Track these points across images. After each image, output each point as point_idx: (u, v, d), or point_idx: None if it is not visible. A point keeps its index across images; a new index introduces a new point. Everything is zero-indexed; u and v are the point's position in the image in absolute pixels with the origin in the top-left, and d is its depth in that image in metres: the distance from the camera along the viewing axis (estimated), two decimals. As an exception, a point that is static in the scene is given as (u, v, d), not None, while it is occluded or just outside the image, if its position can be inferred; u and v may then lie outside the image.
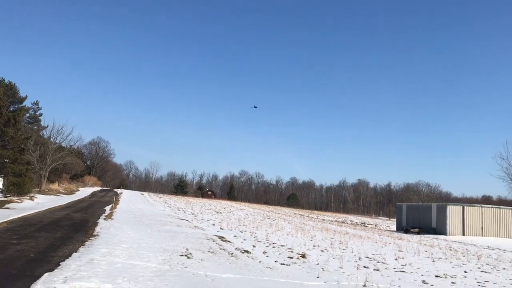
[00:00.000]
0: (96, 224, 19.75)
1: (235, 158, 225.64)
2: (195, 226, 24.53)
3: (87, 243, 13.27)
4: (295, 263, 14.01)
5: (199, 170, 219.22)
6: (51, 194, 45.16)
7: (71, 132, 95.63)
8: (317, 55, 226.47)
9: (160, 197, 67.92)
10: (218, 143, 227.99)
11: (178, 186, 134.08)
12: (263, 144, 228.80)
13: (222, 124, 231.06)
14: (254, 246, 17.50)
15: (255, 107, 76.35)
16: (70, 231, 16.45)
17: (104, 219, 22.70)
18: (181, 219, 29.47)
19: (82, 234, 15.74)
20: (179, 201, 59.52)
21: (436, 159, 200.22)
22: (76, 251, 11.42)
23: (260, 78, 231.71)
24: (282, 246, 18.59)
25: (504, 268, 18.19)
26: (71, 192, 54.49)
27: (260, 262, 13.45)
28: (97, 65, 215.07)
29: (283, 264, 13.56)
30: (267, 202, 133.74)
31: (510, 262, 21.89)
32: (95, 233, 16.15)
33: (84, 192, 58.55)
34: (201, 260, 12.35)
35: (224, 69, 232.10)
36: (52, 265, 9.23)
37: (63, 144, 60.65)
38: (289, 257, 15.13)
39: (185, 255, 12.83)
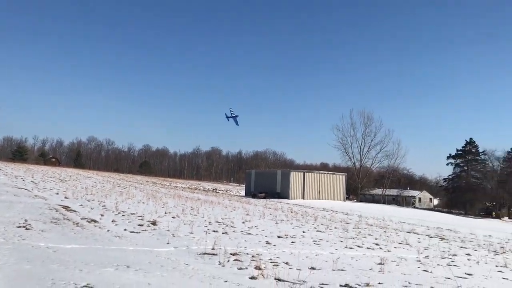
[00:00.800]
0: None
1: (82, 123, 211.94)
2: (36, 196, 22.61)
3: None
4: (145, 230, 13.89)
5: (41, 135, 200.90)
6: None
7: None
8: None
9: (-6, 164, 60.91)
10: (62, 106, 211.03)
11: (16, 153, 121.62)
12: (115, 109, 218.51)
13: (66, 86, 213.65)
14: (102, 215, 16.84)
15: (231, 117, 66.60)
16: None
17: None
18: (19, 188, 26.90)
19: None
20: (18, 169, 54.15)
21: (282, 128, 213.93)
22: None
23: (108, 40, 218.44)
24: (133, 214, 18.23)
25: (335, 227, 20.51)
26: None
27: (108, 231, 13.02)
28: None
29: (133, 232, 13.34)
30: (118, 170, 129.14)
31: (341, 221, 24.77)
32: None
33: None
34: (42, 231, 11.48)
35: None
36: None
37: None
38: (139, 225, 14.93)
39: (24, 227, 11.78)
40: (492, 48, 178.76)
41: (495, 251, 17.81)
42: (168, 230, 14.04)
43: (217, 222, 18.12)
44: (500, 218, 66.98)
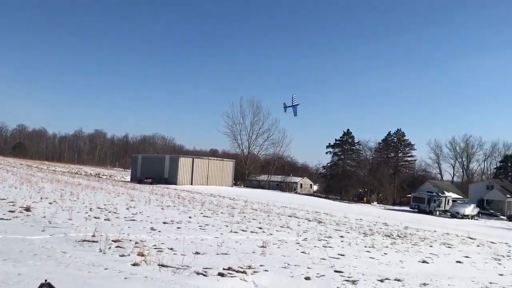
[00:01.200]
0: None
1: None
2: None
3: None
4: (17, 217, 12.79)
5: None
6: None
7: None
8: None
9: None
10: None
11: None
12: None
13: None
14: (-35, 201, 15.18)
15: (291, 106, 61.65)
16: None
17: None
18: None
19: None
20: None
21: (172, 113, 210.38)
22: None
23: None
24: (3, 199, 16.68)
25: (222, 212, 20.84)
26: None
27: (-28, 218, 11.77)
28: None
29: (2, 219, 12.21)
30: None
31: (227, 206, 25.23)
32: None
33: None
34: None
35: None
36: None
37: None
38: (10, 211, 13.69)
39: None
40: (362, 43, 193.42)
41: (365, 233, 19.55)
42: (44, 217, 13.10)
43: (99, 208, 17.33)
44: (370, 203, 73.51)
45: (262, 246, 11.63)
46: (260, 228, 16.45)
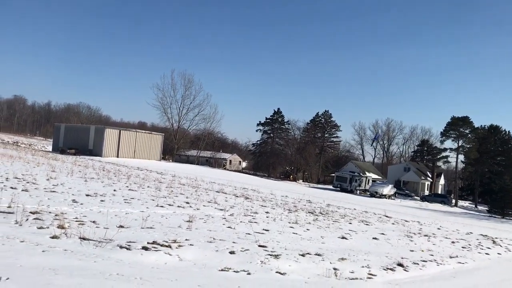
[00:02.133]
0: None
1: None
2: None
3: None
4: None
5: None
6: None
7: None
8: None
9: None
10: None
11: None
12: None
13: None
14: None
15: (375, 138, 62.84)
16: None
17: None
18: None
19: None
20: None
21: (98, 81, 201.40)
22: None
23: None
24: None
25: (148, 186, 20.52)
26: None
27: None
28: None
29: None
30: None
31: (154, 181, 24.87)
32: None
33: None
34: None
35: None
36: None
37: None
38: None
39: None
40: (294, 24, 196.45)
41: (289, 210, 20.18)
42: (-47, 186, 12.19)
43: (16, 178, 16.38)
44: (296, 181, 75.73)
45: (189, 221, 11.64)
46: (187, 203, 16.42)
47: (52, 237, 7.68)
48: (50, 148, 58.76)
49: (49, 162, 28.22)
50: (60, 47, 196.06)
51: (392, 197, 57.57)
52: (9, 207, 9.92)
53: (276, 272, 7.88)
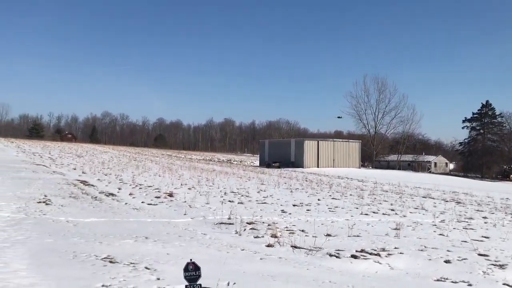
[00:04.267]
0: None
1: (96, 99, 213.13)
2: (54, 171, 23.03)
3: None
4: (162, 202, 14.11)
5: (56, 111, 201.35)
6: None
7: None
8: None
9: (12, 142, 61.84)
10: (76, 83, 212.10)
11: (33, 130, 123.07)
12: (128, 85, 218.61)
13: (78, 62, 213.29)
14: (119, 189, 17.13)
15: (339, 117, 74.71)
16: None
17: None
18: (37, 164, 27.37)
19: None
20: (35, 146, 54.94)
21: (294, 97, 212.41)
22: None
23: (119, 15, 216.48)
24: (149, 186, 18.49)
25: (351, 194, 20.57)
26: None
27: (126, 204, 13.26)
28: None
29: (150, 204, 13.57)
30: (133, 144, 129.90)
31: (356, 188, 24.82)
32: None
33: None
34: (62, 206, 11.74)
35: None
36: None
37: None
38: (156, 197, 15.16)
39: (44, 202, 12.05)
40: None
41: (512, 214, 17.73)
42: (185, 201, 14.24)
43: (232, 192, 18.30)
44: (517, 181, 66.47)
45: (396, 228, 11.21)
46: (392, 210, 15.89)
47: (267, 246, 8.29)
48: (257, 163, 64.07)
49: (258, 176, 30.73)
50: (258, 74, 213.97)
51: None
52: (229, 218, 11.11)
53: (504, 284, 6.97)
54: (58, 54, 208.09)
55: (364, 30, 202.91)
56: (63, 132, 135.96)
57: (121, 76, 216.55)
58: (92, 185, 17.79)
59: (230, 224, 10.46)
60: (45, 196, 13.24)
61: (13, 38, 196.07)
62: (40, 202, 12.02)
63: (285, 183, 25.22)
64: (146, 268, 5.99)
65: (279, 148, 57.86)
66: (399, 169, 72.63)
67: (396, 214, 14.79)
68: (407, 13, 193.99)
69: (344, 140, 63.18)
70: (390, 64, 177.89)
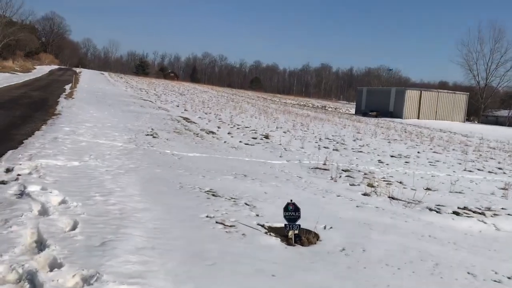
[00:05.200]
0: (57, 103, 19.28)
1: (197, 39, 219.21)
2: (159, 107, 24.43)
3: (49, 121, 13.04)
4: (258, 143, 14.43)
5: (160, 50, 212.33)
6: (5, 72, 43.14)
7: (22, 5, 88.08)
8: None
9: (121, 77, 66.32)
10: (180, 23, 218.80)
11: (139, 67, 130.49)
12: (227, 26, 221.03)
13: (182, 2, 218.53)
14: (219, 127, 17.78)
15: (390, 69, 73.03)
16: (30, 109, 16.03)
17: (65, 98, 22.14)
18: (144, 100, 29.18)
19: (43, 112, 15.40)
20: (141, 82, 58.46)
21: (397, 43, 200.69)
22: (38, 130, 11.22)
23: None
24: (246, 127, 18.96)
25: (453, 149, 19.44)
26: (27, 70, 52.10)
27: (225, 142, 13.76)
28: None
29: (247, 144, 13.95)
30: (230, 85, 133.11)
31: (459, 143, 23.38)
32: (56, 112, 15.82)
33: (41, 70, 56.12)
34: (167, 139, 12.50)
35: None
36: (14, 143, 9.06)
37: (14, 19, 56.53)
38: (253, 138, 15.53)
39: (151, 135, 12.92)
40: None
41: None
42: (280, 144, 14.43)
43: (327, 138, 18.16)
44: None
45: (504, 188, 10.46)
46: (500, 168, 14.78)
47: (363, 194, 8.20)
48: (353, 111, 62.59)
49: (354, 124, 30.10)
50: (359, 17, 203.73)
51: None
52: (324, 164, 11.09)
53: None
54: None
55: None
56: (167, 70, 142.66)
57: (222, 16, 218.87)
58: (194, 122, 18.64)
59: (325, 170, 10.45)
60: (152, 129, 14.16)
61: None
62: (148, 134, 12.91)
63: (383, 133, 24.44)
64: (246, 204, 6.26)
65: (377, 97, 55.76)
66: (509, 125, 66.80)
67: (504, 173, 13.77)
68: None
69: (449, 91, 59.01)
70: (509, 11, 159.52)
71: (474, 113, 72.45)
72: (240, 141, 14.33)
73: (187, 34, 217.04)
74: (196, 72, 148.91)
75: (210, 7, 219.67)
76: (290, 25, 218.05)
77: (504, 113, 76.19)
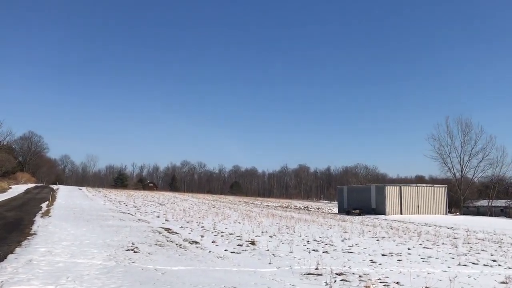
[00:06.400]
0: (32, 222, 18.57)
1: (175, 149, 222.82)
2: (139, 219, 23.78)
3: (23, 243, 12.37)
4: (245, 250, 13.87)
5: (138, 162, 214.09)
6: (-21, 193, 42.18)
7: (0, 126, 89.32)
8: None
9: (100, 191, 65.56)
10: (157, 135, 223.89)
11: (117, 179, 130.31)
12: (205, 133, 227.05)
13: (160, 114, 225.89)
14: (202, 236, 17.19)
15: None
16: (4, 231, 15.30)
17: (41, 216, 21.43)
18: (123, 212, 28.50)
19: (18, 233, 14.69)
20: (120, 195, 57.77)
21: (372, 141, 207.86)
22: (12, 253, 10.55)
23: (199, 65, 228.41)
24: (231, 234, 18.40)
25: (443, 243, 19.08)
26: (2, 190, 51.21)
27: (210, 252, 13.18)
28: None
29: (234, 252, 13.38)
30: (210, 191, 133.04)
31: (448, 237, 23.06)
32: (32, 231, 15.14)
33: (17, 189, 55.22)
34: (149, 253, 11.89)
35: (159, 52, 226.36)
36: (-15, 270, 8.41)
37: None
38: (238, 245, 14.96)
39: (132, 250, 12.30)
40: None
41: None
42: (268, 250, 13.90)
43: (315, 240, 17.68)
44: None
45: (503, 282, 10.06)
46: (494, 260, 14.40)
47: (363, 300, 7.69)
48: (335, 210, 62.33)
49: (339, 223, 29.69)
50: (331, 120, 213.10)
51: None
52: (316, 269, 10.59)
53: None
54: (141, 110, 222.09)
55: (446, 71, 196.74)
56: (145, 181, 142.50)
57: (199, 126, 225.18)
58: (176, 233, 18.03)
59: (318, 275, 9.93)
60: (133, 244, 13.54)
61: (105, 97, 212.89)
62: (128, 249, 12.29)
63: (369, 231, 24.05)
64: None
65: (358, 195, 56.01)
66: (491, 215, 67.24)
67: (499, 265, 13.38)
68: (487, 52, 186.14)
69: (428, 185, 59.94)
70: (474, 104, 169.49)
71: (454, 205, 73.09)
72: (225, 250, 13.75)
73: (165, 144, 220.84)
74: (176, 180, 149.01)
75: (187, 116, 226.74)
76: (266, 128, 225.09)
77: (484, 203, 77.18)
